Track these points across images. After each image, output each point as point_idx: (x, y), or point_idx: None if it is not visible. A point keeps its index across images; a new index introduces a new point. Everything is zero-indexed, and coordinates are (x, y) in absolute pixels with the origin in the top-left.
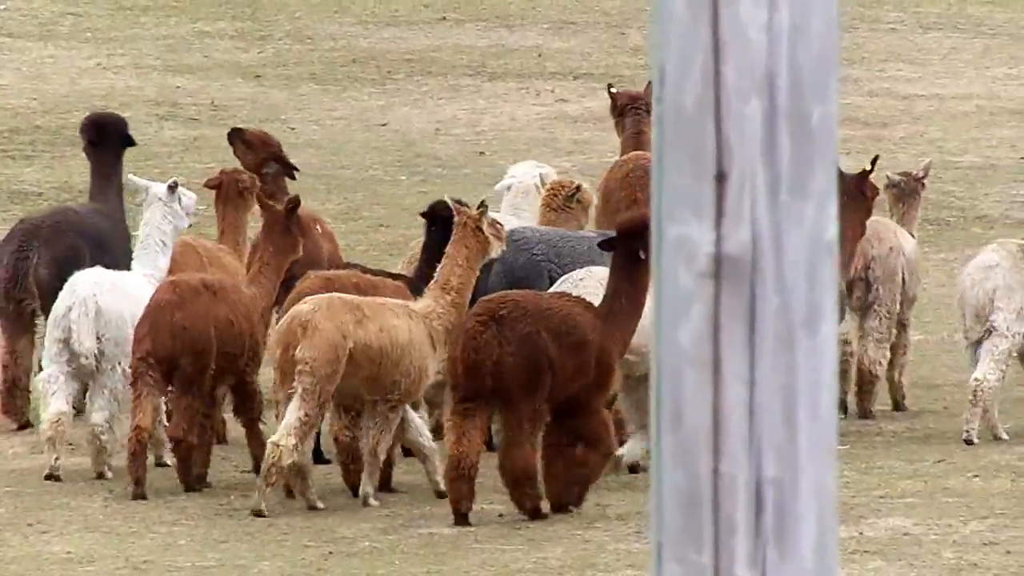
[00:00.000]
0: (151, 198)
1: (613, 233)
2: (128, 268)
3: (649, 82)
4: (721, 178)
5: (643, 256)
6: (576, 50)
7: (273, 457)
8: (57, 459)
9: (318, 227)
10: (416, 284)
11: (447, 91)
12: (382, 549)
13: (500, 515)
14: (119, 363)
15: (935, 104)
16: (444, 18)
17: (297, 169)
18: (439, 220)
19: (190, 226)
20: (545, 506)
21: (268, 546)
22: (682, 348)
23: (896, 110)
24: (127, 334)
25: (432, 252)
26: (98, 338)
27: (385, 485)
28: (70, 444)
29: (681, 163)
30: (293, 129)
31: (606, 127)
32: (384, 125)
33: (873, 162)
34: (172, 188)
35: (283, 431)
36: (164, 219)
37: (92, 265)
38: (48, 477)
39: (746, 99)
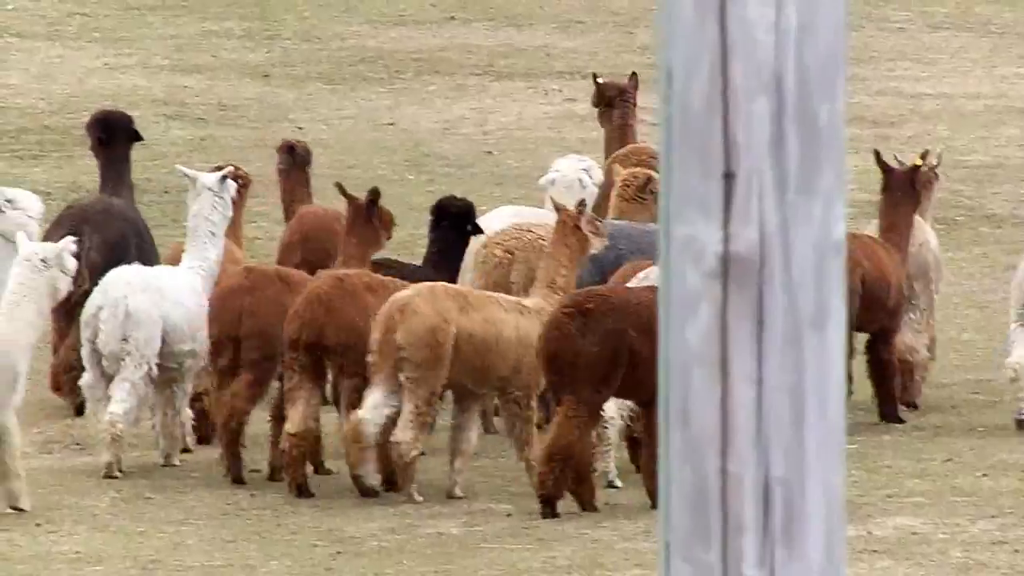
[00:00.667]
0: (200, 188)
1: None
2: (151, 263)
3: (633, 73)
4: (729, 177)
5: None
6: (584, 49)
7: (397, 456)
8: (111, 462)
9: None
10: (423, 275)
11: (455, 90)
12: (390, 549)
13: (508, 514)
14: (146, 362)
15: (943, 103)
16: (452, 18)
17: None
18: (446, 217)
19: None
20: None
21: (276, 546)
22: (690, 347)
23: (904, 109)
24: (156, 334)
25: (438, 247)
26: (124, 339)
27: (394, 484)
28: (78, 444)
29: (689, 162)
30: (301, 129)
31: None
32: (392, 124)
33: (923, 156)
34: (223, 179)
35: (400, 426)
36: (213, 209)
37: (136, 252)
38: (107, 476)
39: (754, 98)
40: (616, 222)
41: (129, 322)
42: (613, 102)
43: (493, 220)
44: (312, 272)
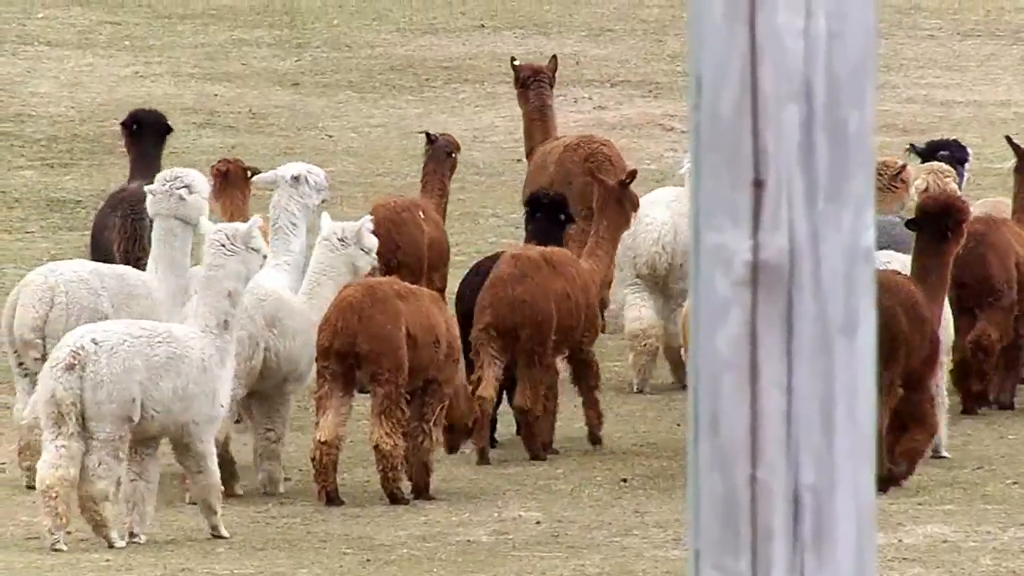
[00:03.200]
0: (279, 182)
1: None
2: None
3: (553, 56)
4: (758, 185)
5: (949, 235)
6: (614, 57)
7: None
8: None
9: (421, 213)
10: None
11: (485, 98)
12: (420, 557)
13: (538, 522)
14: None
15: (973, 111)
16: (482, 25)
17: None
18: (540, 208)
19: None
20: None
21: (306, 553)
22: (720, 354)
23: (934, 117)
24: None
25: (536, 239)
26: None
27: (423, 492)
28: None
29: (718, 170)
30: (331, 137)
31: (643, 134)
32: (422, 133)
33: None
34: (296, 178)
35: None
36: (291, 200)
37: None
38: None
39: (783, 106)
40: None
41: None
42: (528, 83)
43: (652, 202)
44: (388, 267)
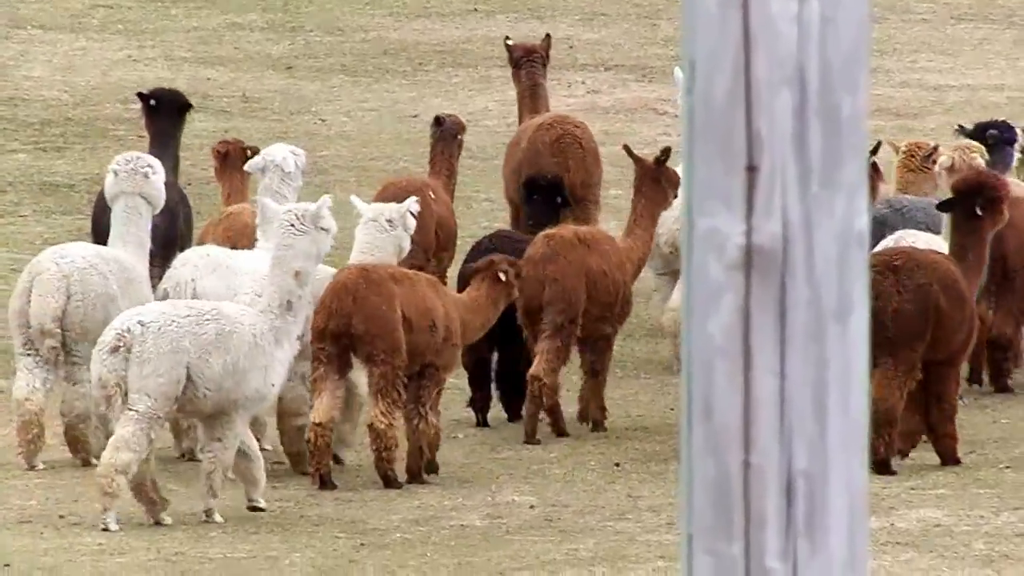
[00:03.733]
0: (268, 165)
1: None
2: (181, 242)
3: (547, 35)
4: (752, 170)
5: (980, 212)
6: (607, 41)
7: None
8: (190, 447)
9: (431, 193)
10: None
11: (478, 82)
12: (413, 541)
13: (531, 506)
14: None
15: (966, 95)
16: (475, 9)
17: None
18: (537, 190)
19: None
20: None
21: (299, 537)
22: (713, 340)
23: (927, 101)
24: None
25: (533, 220)
26: None
27: (416, 476)
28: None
29: (712, 155)
30: (324, 121)
31: (637, 118)
32: (415, 116)
33: None
34: (288, 156)
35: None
36: (283, 184)
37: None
38: (183, 455)
39: (777, 91)
40: (909, 198)
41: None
42: (521, 63)
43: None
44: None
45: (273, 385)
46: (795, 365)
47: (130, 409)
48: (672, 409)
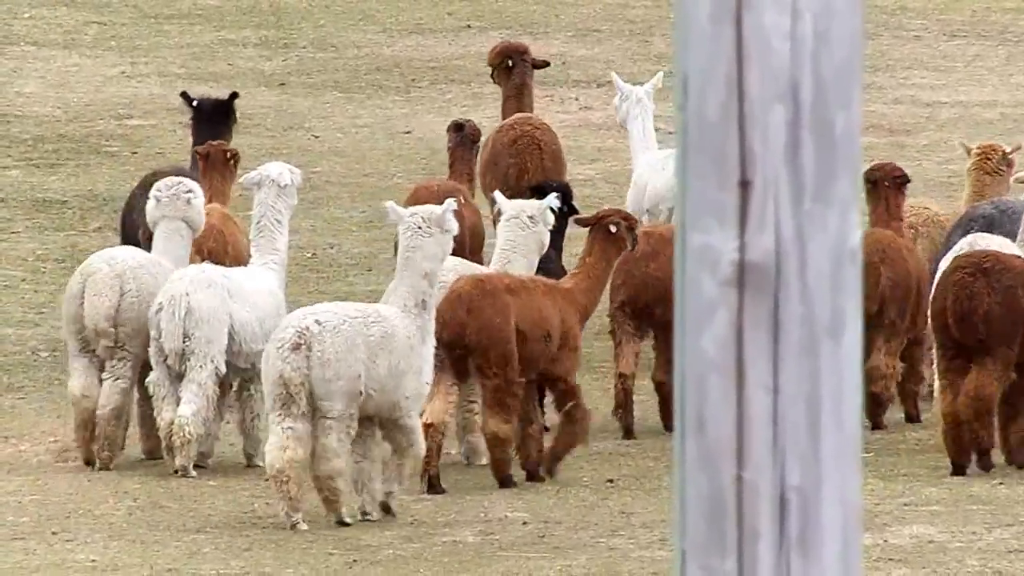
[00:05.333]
0: (264, 181)
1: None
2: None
3: (468, 25)
4: (745, 186)
5: None
6: (600, 58)
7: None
8: (183, 465)
9: (461, 198)
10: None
11: (471, 99)
12: (406, 557)
13: (524, 522)
14: (211, 360)
15: (959, 111)
16: (468, 26)
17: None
18: (544, 197)
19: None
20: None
21: (292, 554)
22: (706, 355)
23: (920, 117)
24: (220, 333)
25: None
26: (186, 336)
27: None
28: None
29: (705, 171)
30: (317, 137)
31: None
32: (408, 133)
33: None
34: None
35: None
36: (278, 198)
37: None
38: (176, 472)
39: (770, 107)
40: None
41: (190, 319)
42: (509, 62)
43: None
44: None
45: (427, 383)
46: (788, 380)
47: (325, 417)
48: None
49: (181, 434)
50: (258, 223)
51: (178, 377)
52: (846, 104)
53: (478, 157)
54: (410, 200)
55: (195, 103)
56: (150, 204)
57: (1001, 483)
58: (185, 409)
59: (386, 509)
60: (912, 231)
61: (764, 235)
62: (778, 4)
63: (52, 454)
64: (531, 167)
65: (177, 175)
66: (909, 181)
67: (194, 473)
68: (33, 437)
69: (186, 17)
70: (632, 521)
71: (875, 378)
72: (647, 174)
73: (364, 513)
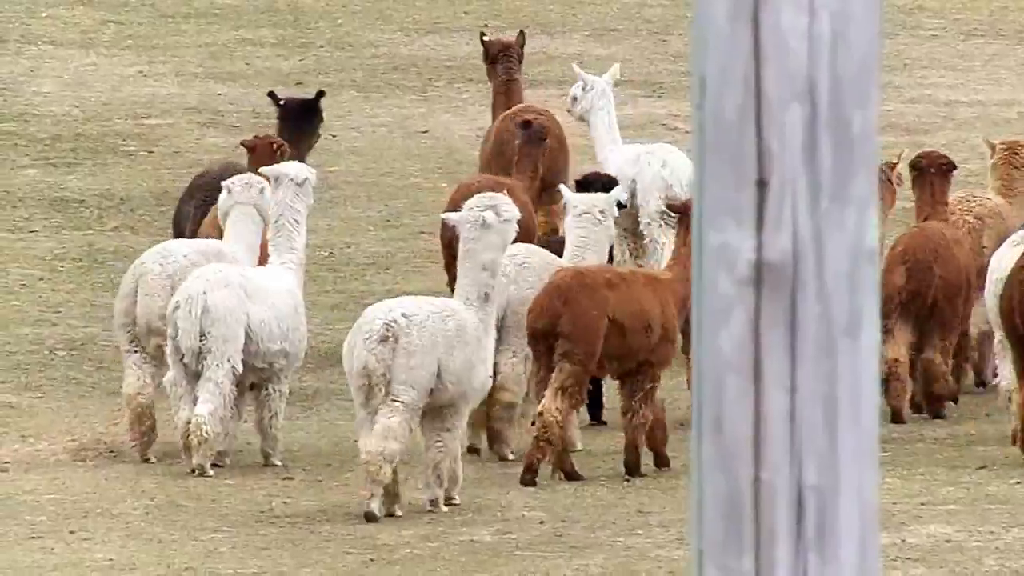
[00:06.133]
0: (283, 180)
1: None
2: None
3: (521, 31)
4: (762, 185)
5: None
6: (617, 57)
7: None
8: (200, 464)
9: (506, 193)
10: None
11: (488, 98)
12: (423, 556)
13: (541, 521)
14: (227, 359)
15: (977, 111)
16: (486, 25)
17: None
18: (590, 190)
19: None
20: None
21: (310, 553)
22: (723, 355)
23: (937, 117)
24: (237, 332)
25: None
26: (203, 335)
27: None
28: (111, 452)
29: (722, 170)
30: (334, 136)
31: (646, 134)
32: (425, 132)
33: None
34: (305, 179)
35: None
36: (296, 197)
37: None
38: (193, 471)
39: (787, 106)
40: None
41: (207, 318)
42: (497, 58)
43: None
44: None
45: (491, 377)
46: (805, 380)
47: (395, 400)
48: (682, 425)
49: (198, 433)
50: (276, 222)
51: (195, 376)
52: (863, 103)
53: (479, 154)
54: (453, 197)
55: (282, 102)
56: (222, 196)
57: (1019, 482)
58: (202, 408)
59: (433, 507)
60: (979, 221)
61: (781, 234)
62: (795, 4)
63: (69, 453)
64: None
65: (228, 171)
66: (956, 168)
67: (211, 472)
68: (51, 436)
69: (203, 16)
70: (649, 520)
71: (936, 377)
72: (628, 169)
73: (449, 499)
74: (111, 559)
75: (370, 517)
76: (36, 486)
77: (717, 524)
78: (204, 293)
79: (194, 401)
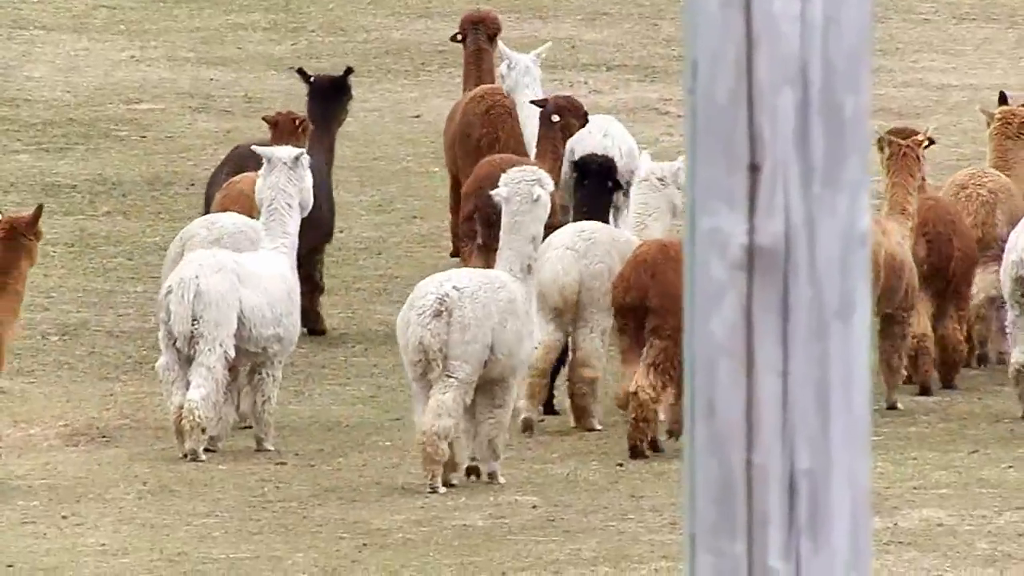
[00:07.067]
0: (274, 163)
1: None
2: (327, 219)
3: (477, 9)
4: (754, 169)
5: None
6: (609, 41)
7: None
8: (193, 449)
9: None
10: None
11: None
12: (416, 541)
13: (534, 506)
14: (219, 344)
15: (969, 95)
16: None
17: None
18: (588, 175)
19: None
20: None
21: (302, 538)
22: (715, 339)
23: (930, 100)
24: (229, 317)
25: (586, 205)
26: (195, 320)
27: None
28: (104, 436)
29: (714, 154)
30: None
31: (639, 118)
32: (417, 117)
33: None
34: (297, 158)
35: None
36: (289, 182)
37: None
38: (186, 456)
39: (779, 90)
40: None
41: (199, 303)
42: (467, 32)
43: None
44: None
45: (535, 348)
46: (798, 364)
47: (449, 376)
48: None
49: (191, 418)
50: (269, 206)
51: (187, 361)
52: (855, 88)
53: (444, 129)
54: (474, 176)
55: (311, 79)
56: (259, 182)
57: (1011, 467)
58: (195, 393)
59: (492, 480)
60: (992, 195)
61: (773, 219)
62: None
63: (62, 438)
64: (503, 136)
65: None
66: (933, 142)
67: (204, 457)
68: (43, 421)
69: (195, 1)
70: (642, 505)
71: (953, 346)
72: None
73: (483, 473)
74: (104, 544)
75: (435, 490)
76: (28, 471)
77: (709, 508)
78: (196, 278)
79: (187, 386)
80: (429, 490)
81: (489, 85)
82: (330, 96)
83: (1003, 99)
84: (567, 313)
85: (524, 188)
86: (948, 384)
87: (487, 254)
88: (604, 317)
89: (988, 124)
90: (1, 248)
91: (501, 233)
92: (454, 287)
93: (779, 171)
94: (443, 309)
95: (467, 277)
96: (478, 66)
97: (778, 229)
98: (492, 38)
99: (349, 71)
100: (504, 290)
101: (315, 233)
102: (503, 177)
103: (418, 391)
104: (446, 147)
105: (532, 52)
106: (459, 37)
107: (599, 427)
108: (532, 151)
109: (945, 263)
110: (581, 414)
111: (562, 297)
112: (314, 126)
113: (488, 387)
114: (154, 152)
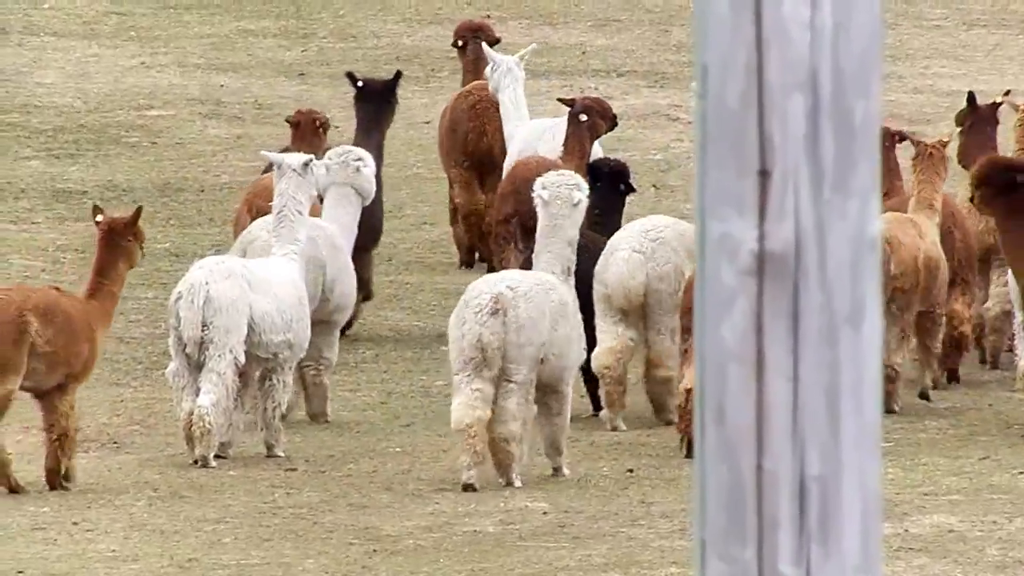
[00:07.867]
0: (284, 170)
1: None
2: (377, 220)
3: (488, 15)
4: (764, 175)
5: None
6: (620, 47)
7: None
8: (203, 455)
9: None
10: (589, 238)
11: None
12: (426, 547)
13: (544, 512)
14: (229, 350)
15: (979, 101)
16: (488, 16)
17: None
18: (601, 178)
19: None
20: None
21: (313, 544)
22: (726, 344)
23: (939, 107)
24: (239, 323)
25: (599, 208)
26: (204, 326)
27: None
28: (114, 442)
29: (724, 160)
30: (337, 127)
31: (649, 124)
32: (428, 123)
33: None
34: (306, 164)
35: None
36: (299, 189)
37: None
38: (196, 462)
39: (789, 96)
40: None
41: (209, 308)
42: (467, 40)
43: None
44: (524, 226)
45: (584, 350)
46: (808, 370)
47: (508, 381)
48: None
49: (200, 424)
50: (279, 213)
51: (197, 367)
52: (865, 93)
53: (439, 126)
54: (508, 177)
55: (360, 84)
56: (320, 172)
57: (1022, 472)
58: (204, 399)
59: (557, 473)
60: None
61: (784, 224)
62: None
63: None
64: (490, 130)
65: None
66: (904, 139)
67: (214, 463)
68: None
69: (205, 7)
70: (652, 511)
71: (961, 321)
72: (533, 143)
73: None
74: (114, 550)
75: (510, 484)
76: (39, 477)
77: (720, 514)
78: (206, 283)
79: (196, 392)
80: (504, 484)
81: (476, 82)
82: (379, 100)
83: (971, 100)
84: (632, 314)
85: (565, 192)
86: (953, 374)
87: (522, 257)
88: (671, 318)
89: (1018, 112)
90: (100, 250)
91: (538, 236)
92: (508, 287)
93: (789, 176)
94: (500, 308)
95: (520, 277)
96: (476, 73)
97: (788, 234)
98: (491, 46)
99: (399, 75)
100: (555, 292)
101: (364, 234)
102: (541, 180)
103: (460, 384)
104: (439, 144)
105: (516, 54)
106: (459, 43)
107: (676, 420)
108: (511, 148)
109: (948, 254)
110: (660, 409)
111: (627, 300)
112: (363, 129)
113: (542, 399)
114: (164, 158)
